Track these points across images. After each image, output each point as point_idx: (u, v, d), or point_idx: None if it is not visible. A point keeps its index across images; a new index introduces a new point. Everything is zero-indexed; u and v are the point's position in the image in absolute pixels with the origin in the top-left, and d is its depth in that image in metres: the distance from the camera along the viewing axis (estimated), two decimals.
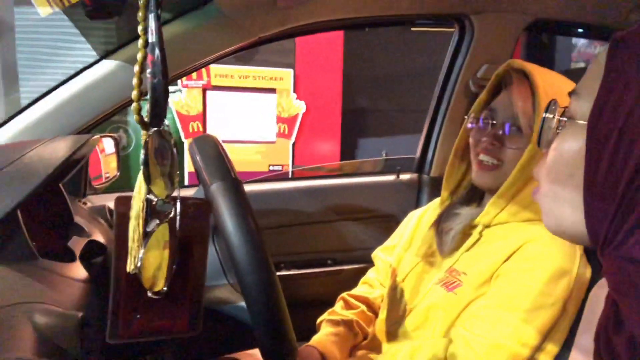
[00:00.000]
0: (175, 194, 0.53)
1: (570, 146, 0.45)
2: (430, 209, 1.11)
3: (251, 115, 3.76)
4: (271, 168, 3.83)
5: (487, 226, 0.92)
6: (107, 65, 1.10)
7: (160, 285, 0.53)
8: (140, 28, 0.47)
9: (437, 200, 1.10)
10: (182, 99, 3.58)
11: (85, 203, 1.24)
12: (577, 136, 0.44)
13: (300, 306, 1.25)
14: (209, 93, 3.65)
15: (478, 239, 0.93)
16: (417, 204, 1.55)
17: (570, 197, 0.44)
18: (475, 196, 1.01)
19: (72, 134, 1.11)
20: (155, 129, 0.49)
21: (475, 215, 0.93)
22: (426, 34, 3.87)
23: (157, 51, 0.47)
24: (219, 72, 3.60)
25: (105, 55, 1.11)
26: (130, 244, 0.51)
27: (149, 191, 0.49)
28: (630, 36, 0.42)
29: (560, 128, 0.47)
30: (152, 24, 0.47)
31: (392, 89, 4.32)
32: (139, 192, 0.51)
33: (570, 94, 0.47)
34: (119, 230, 0.51)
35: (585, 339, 0.54)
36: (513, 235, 0.88)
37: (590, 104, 0.42)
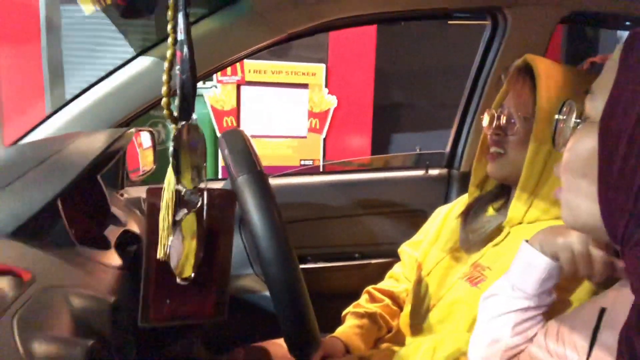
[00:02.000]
0: (202, 185, 0.55)
1: (584, 145, 0.45)
2: (458, 205, 1.11)
3: (283, 110, 3.79)
4: (302, 163, 3.85)
5: (517, 223, 0.91)
6: (144, 62, 1.14)
7: (189, 272, 0.56)
8: (169, 26, 0.49)
9: (464, 197, 1.09)
10: (216, 94, 3.65)
11: (122, 195, 1.29)
12: (591, 135, 0.44)
13: (326, 298, 1.27)
14: (242, 88, 3.70)
15: (506, 236, 0.92)
16: (446, 199, 1.54)
17: (584, 195, 0.45)
18: (503, 192, 1.00)
19: (112, 127, 1.16)
20: (184, 122, 0.51)
21: (502, 218, 0.93)
22: (461, 27, 3.79)
23: (185, 49, 0.49)
24: (253, 67, 3.64)
25: (141, 51, 1.16)
26: (160, 232, 0.53)
27: (178, 182, 0.52)
28: None
29: (576, 128, 0.47)
30: (180, 22, 0.49)
31: (426, 83, 4.26)
32: (168, 183, 0.53)
33: (586, 93, 0.47)
34: (149, 220, 0.54)
35: (607, 336, 0.53)
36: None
37: (604, 103, 0.42)
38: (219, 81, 3.63)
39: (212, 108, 3.65)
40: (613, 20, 1.52)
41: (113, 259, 0.80)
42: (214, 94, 3.64)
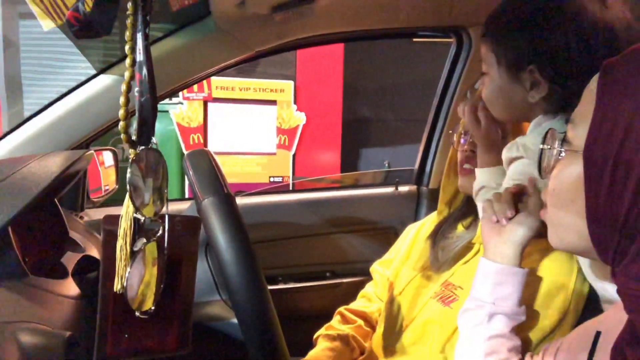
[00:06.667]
0: (164, 210, 0.52)
1: (569, 174, 0.47)
2: (428, 222, 1.11)
3: (252, 127, 3.76)
4: (272, 179, 3.82)
5: None
6: (105, 80, 1.10)
7: (149, 304, 0.53)
8: (127, 47, 0.47)
9: (434, 214, 1.09)
10: (183, 111, 3.60)
11: (82, 217, 1.23)
12: (575, 163, 0.46)
13: (298, 320, 1.24)
14: (209, 105, 3.66)
15: (476, 253, 0.92)
16: (415, 216, 1.54)
17: (573, 222, 0.47)
18: (471, 209, 1.01)
19: (71, 147, 1.11)
20: (143, 147, 0.49)
21: (471, 234, 0.93)
22: (426, 43, 3.87)
23: (144, 70, 0.47)
24: (220, 84, 3.61)
25: (103, 69, 1.12)
26: (117, 263, 0.50)
27: (137, 210, 0.49)
28: (618, 63, 0.43)
29: (560, 156, 0.49)
30: (139, 43, 0.47)
31: (393, 98, 4.32)
32: (126, 212, 0.50)
33: (567, 122, 0.49)
34: (106, 249, 0.51)
35: (602, 356, 0.53)
36: None
37: (586, 131, 0.44)
38: (185, 98, 3.58)
39: (178, 125, 3.59)
40: None
41: (70, 288, 0.76)
42: (180, 110, 3.58)
